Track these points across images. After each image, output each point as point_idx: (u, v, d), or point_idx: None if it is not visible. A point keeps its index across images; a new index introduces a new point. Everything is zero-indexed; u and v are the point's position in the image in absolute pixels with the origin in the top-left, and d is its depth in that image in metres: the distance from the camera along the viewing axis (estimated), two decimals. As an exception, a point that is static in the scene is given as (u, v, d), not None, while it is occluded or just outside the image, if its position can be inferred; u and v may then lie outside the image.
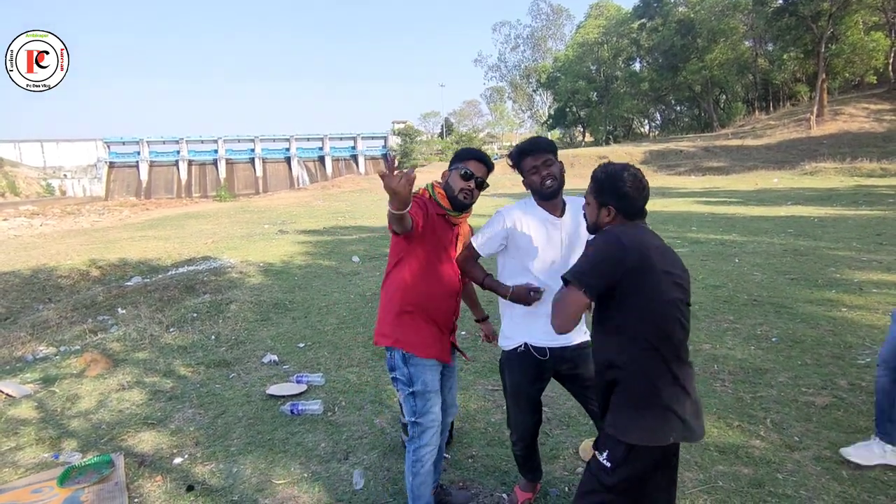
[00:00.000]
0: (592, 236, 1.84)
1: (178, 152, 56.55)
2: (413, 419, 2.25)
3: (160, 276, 8.88)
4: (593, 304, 1.77)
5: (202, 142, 58.44)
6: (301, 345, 5.03)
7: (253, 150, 58.53)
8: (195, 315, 6.09)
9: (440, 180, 2.33)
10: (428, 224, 2.19)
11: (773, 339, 4.46)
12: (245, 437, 3.32)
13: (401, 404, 2.46)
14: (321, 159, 60.71)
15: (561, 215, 2.23)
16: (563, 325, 1.68)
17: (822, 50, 30.50)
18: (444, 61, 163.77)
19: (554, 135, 59.57)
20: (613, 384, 1.74)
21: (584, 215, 1.92)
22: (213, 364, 4.58)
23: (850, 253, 7.70)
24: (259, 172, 57.80)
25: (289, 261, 9.31)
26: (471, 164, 2.25)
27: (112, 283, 8.93)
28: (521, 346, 2.25)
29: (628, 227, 1.75)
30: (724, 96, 46.07)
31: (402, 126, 64.54)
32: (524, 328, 2.24)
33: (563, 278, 1.70)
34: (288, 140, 59.85)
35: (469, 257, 2.32)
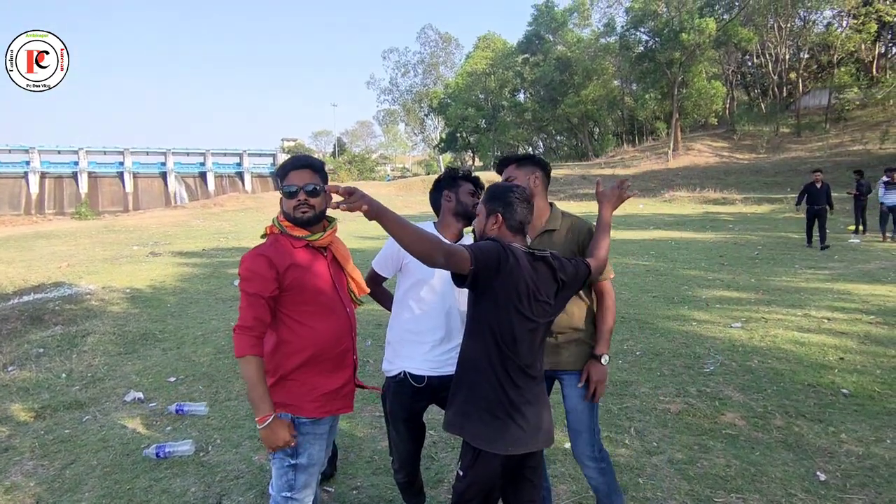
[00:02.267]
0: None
1: (28, 163, 49.53)
2: (287, 494, 1.96)
3: (-2, 305, 7.68)
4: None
5: (59, 152, 51.77)
6: (172, 378, 4.61)
7: (122, 164, 52.95)
8: (41, 350, 5.34)
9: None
10: (285, 280, 1.91)
11: (637, 353, 4.92)
12: (99, 488, 2.95)
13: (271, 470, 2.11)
14: (202, 175, 56.58)
15: (456, 240, 2.30)
16: (422, 249, 1.62)
17: (676, 93, 34.93)
18: (338, 81, 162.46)
19: (445, 158, 61.39)
20: (461, 383, 1.82)
21: (472, 228, 2.03)
22: (62, 406, 4.03)
23: (699, 273, 8.77)
24: (129, 188, 52.35)
25: (160, 286, 8.54)
26: (291, 177, 1.96)
27: (-68, 315, 7.54)
28: (400, 373, 2.26)
29: (512, 240, 1.83)
30: (597, 129, 50.62)
31: (292, 144, 62.70)
32: (405, 355, 2.26)
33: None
34: (164, 154, 55.07)
35: (370, 279, 2.31)
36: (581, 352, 2.25)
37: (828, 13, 34.92)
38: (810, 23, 35.98)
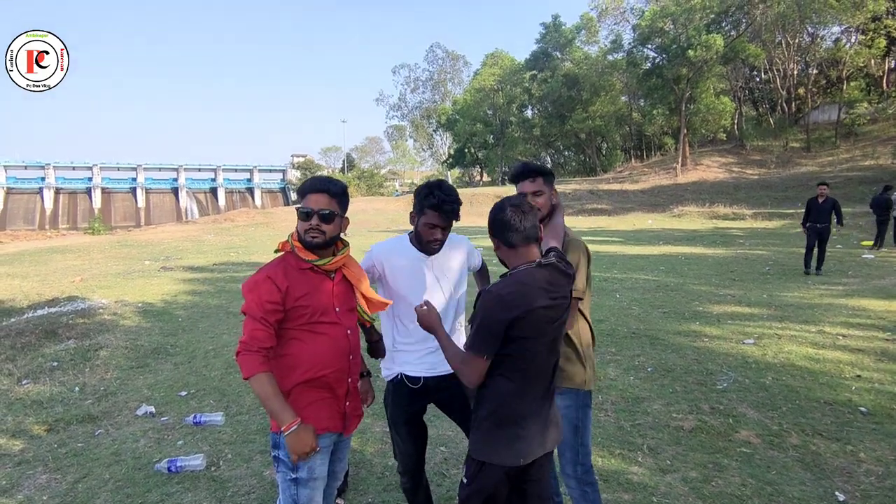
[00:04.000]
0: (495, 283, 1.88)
1: (44, 178, 50.42)
2: None
3: (13, 319, 7.77)
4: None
5: (74, 168, 52.70)
6: (183, 393, 4.63)
7: (135, 179, 53.76)
8: (55, 364, 5.39)
9: None
10: (289, 299, 1.92)
11: (649, 369, 4.88)
12: (111, 502, 2.96)
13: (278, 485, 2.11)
14: (213, 191, 57.26)
15: (432, 253, 2.29)
16: (472, 383, 1.77)
17: (683, 108, 35.02)
18: (347, 97, 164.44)
19: (454, 173, 61.68)
20: (478, 402, 1.83)
21: None
22: (75, 420, 4.06)
23: (710, 288, 8.70)
24: (141, 203, 53.09)
25: (172, 300, 8.61)
26: (309, 199, 1.96)
27: (-51, 328, 7.64)
28: (397, 375, 2.31)
29: (514, 272, 1.79)
30: (605, 144, 50.71)
31: (301, 160, 63.27)
32: (400, 361, 2.32)
33: (465, 347, 1.79)
34: (176, 170, 55.83)
35: None
36: (570, 369, 2.20)
37: (836, 29, 35.03)
38: (818, 38, 36.05)
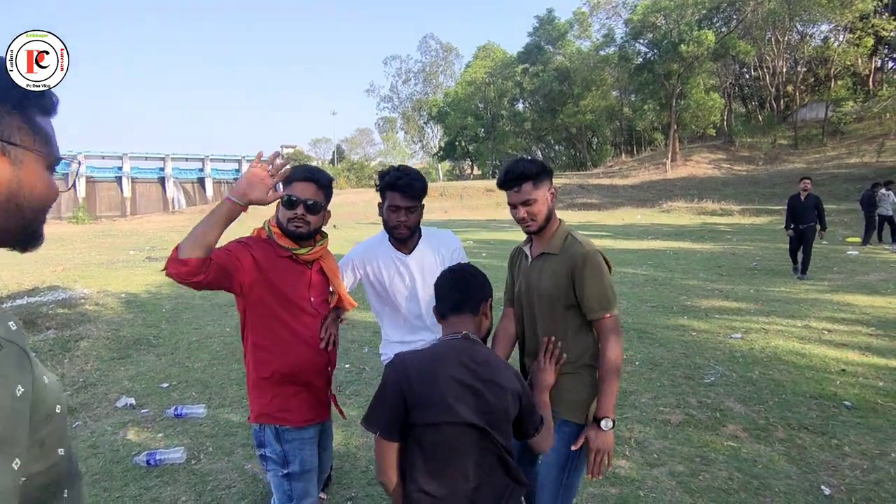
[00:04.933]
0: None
1: (25, 166, 49.52)
2: None
3: (-9, 309, 7.60)
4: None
5: (57, 156, 51.85)
6: (165, 385, 4.54)
7: (120, 168, 52.96)
8: (34, 354, 5.26)
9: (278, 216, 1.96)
10: (263, 276, 1.85)
11: (637, 363, 4.87)
12: (88, 497, 2.87)
13: (268, 482, 2.07)
14: (201, 181, 56.56)
15: (410, 252, 2.22)
16: (381, 475, 1.46)
17: (674, 104, 35.14)
18: (337, 88, 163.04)
19: (444, 166, 61.54)
20: None
21: None
22: (52, 412, 3.95)
23: (697, 283, 8.74)
24: (126, 193, 52.31)
25: (156, 291, 8.47)
26: (295, 187, 1.88)
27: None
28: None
29: (437, 343, 1.57)
30: (595, 139, 50.82)
31: (291, 150, 62.73)
32: (397, 348, 2.25)
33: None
34: (163, 159, 55.06)
35: None
36: (569, 398, 1.87)
37: (825, 27, 35.32)
38: (808, 36, 36.31)
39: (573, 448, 1.84)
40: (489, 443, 1.44)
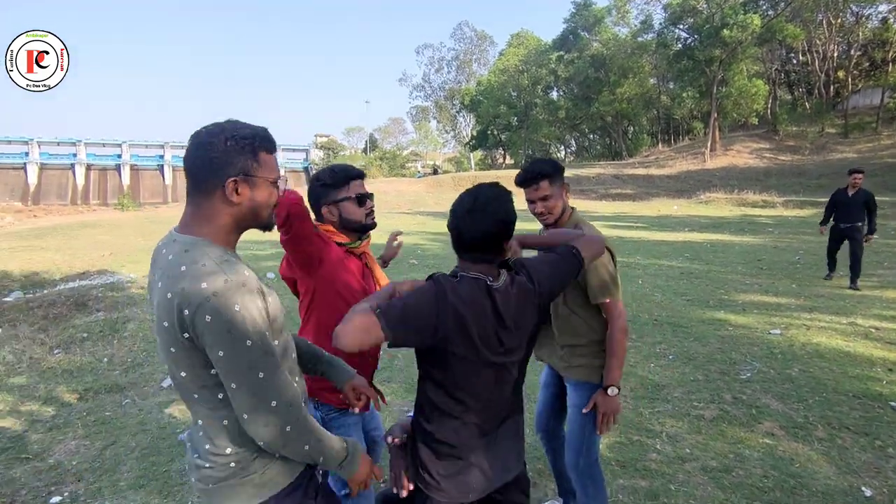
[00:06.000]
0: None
1: (76, 155, 51.71)
2: (346, 491, 1.99)
3: (45, 291, 8.03)
4: None
5: (104, 145, 53.90)
6: (206, 367, 4.73)
7: (162, 157, 54.77)
8: (85, 335, 5.56)
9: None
10: (337, 262, 1.96)
11: (671, 357, 4.80)
12: (137, 469, 3.05)
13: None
14: (239, 169, 57.94)
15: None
16: (341, 338, 1.34)
17: (714, 91, 33.89)
18: (371, 77, 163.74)
19: (476, 156, 61.21)
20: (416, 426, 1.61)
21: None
22: (103, 389, 4.19)
23: (736, 276, 8.50)
24: (168, 181, 54.13)
25: (197, 276, 8.77)
26: (354, 185, 2.02)
27: (-14, 298, 7.94)
28: None
29: (461, 279, 1.48)
30: (631, 128, 49.64)
31: (325, 140, 63.53)
32: None
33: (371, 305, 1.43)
34: (202, 148, 56.60)
35: None
36: (586, 364, 2.15)
37: (883, 7, 33.34)
38: (864, 18, 34.40)
39: (584, 412, 2.11)
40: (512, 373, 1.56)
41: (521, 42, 52.14)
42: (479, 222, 1.46)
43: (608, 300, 2.05)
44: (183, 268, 1.16)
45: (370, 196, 2.06)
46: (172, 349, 1.18)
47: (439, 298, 1.41)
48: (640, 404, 3.84)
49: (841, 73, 36.41)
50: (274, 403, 1.18)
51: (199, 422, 1.26)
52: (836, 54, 35.83)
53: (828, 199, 8.39)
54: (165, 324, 1.16)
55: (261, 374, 1.16)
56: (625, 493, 2.77)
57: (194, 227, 1.25)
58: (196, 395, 1.23)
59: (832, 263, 8.20)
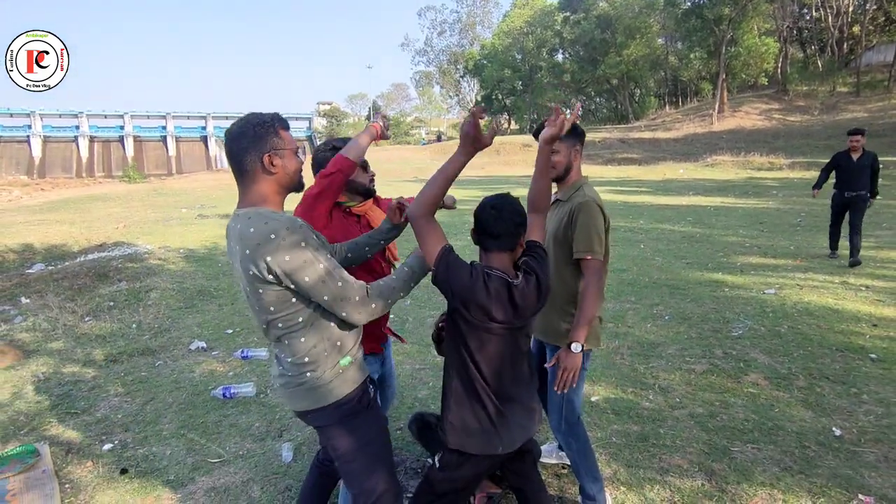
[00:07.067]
0: None
1: (78, 127, 51.57)
2: None
3: (67, 263, 8.35)
4: None
5: (105, 117, 53.67)
6: (229, 331, 5.04)
7: (164, 128, 54.55)
8: (112, 304, 5.88)
9: None
10: (332, 222, 2.15)
11: (667, 318, 5.06)
12: (177, 421, 3.37)
13: None
14: (242, 139, 57.65)
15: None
16: (420, 206, 1.66)
17: (723, 51, 33.22)
18: (372, 43, 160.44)
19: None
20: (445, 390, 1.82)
21: None
22: (136, 353, 4.51)
23: (736, 239, 8.69)
24: (172, 152, 54.07)
25: (211, 246, 9.06)
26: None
27: (10, 270, 8.27)
28: None
29: (490, 276, 1.69)
30: (638, 91, 48.87)
31: (327, 107, 62.92)
32: None
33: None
34: (204, 118, 56.29)
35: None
36: (562, 326, 2.25)
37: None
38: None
39: (546, 366, 2.22)
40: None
41: (527, 2, 50.92)
42: (503, 227, 1.73)
43: (588, 257, 2.13)
44: (251, 229, 1.48)
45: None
46: (261, 290, 1.53)
47: (475, 279, 1.66)
48: (635, 360, 4.12)
49: (856, 29, 35.47)
50: (357, 298, 1.56)
51: (286, 341, 1.61)
52: (850, 9, 34.80)
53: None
54: (252, 272, 1.49)
55: (339, 283, 1.53)
56: (618, 437, 3.07)
57: (249, 201, 1.59)
58: (280, 325, 1.58)
59: (835, 239, 7.21)
